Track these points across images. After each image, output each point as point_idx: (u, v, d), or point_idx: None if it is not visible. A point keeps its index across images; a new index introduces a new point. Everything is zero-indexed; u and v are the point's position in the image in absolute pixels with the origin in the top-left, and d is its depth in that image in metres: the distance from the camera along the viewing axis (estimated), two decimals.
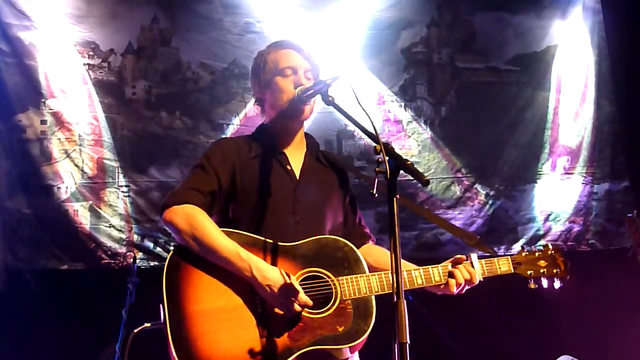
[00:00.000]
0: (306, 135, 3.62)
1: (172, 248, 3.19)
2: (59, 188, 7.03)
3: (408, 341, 2.40)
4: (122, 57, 7.40)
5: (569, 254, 7.17)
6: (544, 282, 3.51)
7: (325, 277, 3.17)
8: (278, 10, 7.51)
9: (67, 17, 7.26)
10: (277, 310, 3.06)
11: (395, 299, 2.44)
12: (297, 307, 3.03)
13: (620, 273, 5.76)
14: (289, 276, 3.06)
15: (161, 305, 3.03)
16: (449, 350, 6.39)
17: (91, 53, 7.31)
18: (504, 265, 3.51)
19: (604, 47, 7.85)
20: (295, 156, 3.50)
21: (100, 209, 7.05)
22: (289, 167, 3.43)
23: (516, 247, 7.41)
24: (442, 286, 3.35)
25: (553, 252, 3.59)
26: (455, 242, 7.42)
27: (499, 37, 7.95)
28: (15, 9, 7.11)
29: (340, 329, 3.10)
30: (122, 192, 7.13)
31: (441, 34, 7.91)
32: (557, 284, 3.54)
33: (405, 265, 3.34)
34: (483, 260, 3.43)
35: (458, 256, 3.41)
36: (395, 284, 2.45)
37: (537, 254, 3.56)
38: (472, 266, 3.40)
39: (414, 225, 7.37)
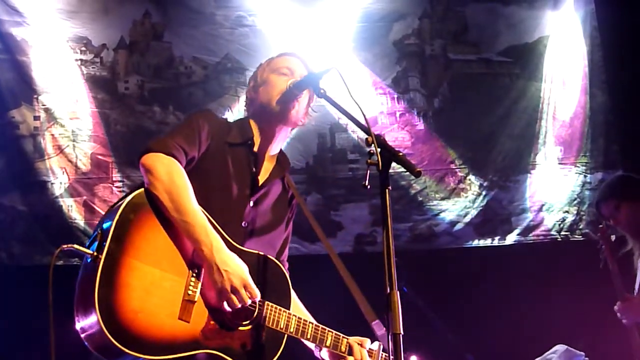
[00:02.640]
0: (281, 152, 3.62)
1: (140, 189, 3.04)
2: (52, 184, 7.03)
3: (402, 332, 2.41)
4: (114, 52, 7.40)
5: (563, 244, 7.22)
6: None
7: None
8: (270, 3, 7.51)
9: (59, 13, 7.26)
10: (212, 299, 3.03)
11: (388, 290, 2.45)
12: (245, 298, 3.01)
13: (620, 260, 5.77)
14: (246, 269, 3.07)
15: (100, 235, 2.94)
16: (442, 341, 6.41)
17: (83, 48, 7.31)
18: None
19: (596, 37, 7.85)
20: (264, 164, 3.49)
21: (94, 204, 7.06)
22: (254, 169, 3.41)
23: (510, 238, 7.45)
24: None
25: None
26: (448, 233, 7.45)
27: (491, 29, 7.95)
28: (7, 5, 7.11)
29: (247, 349, 3.11)
30: (116, 187, 7.13)
31: (433, 26, 7.91)
32: None
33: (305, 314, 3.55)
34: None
35: (366, 342, 3.51)
36: (387, 275, 2.46)
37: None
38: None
39: (408, 217, 7.38)
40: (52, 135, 7.12)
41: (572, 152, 7.72)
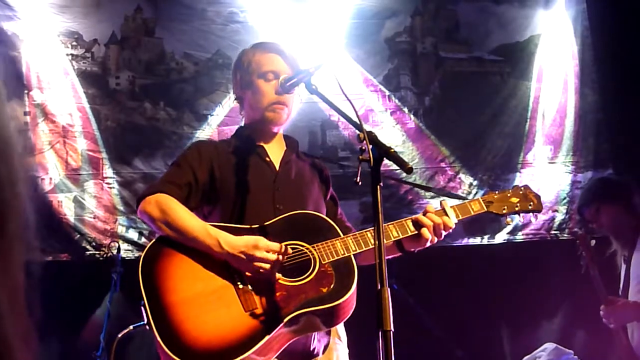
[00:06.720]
0: (285, 136, 3.71)
1: (141, 253, 3.20)
2: (42, 179, 7.00)
3: (392, 329, 2.40)
4: (105, 47, 7.36)
5: (553, 244, 7.21)
6: (519, 217, 3.64)
7: (300, 247, 3.20)
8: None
9: (51, 7, 7.21)
10: (253, 275, 3.09)
11: (379, 287, 2.44)
12: (275, 258, 3.05)
13: (604, 261, 5.79)
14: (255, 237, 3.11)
15: (142, 305, 3.03)
16: (433, 338, 6.42)
17: (74, 43, 7.27)
18: (475, 206, 3.60)
19: (587, 36, 7.86)
20: (274, 150, 3.57)
21: (84, 200, 7.04)
22: (267, 158, 3.50)
23: (499, 237, 7.46)
24: (419, 238, 3.39)
25: (523, 189, 3.68)
26: None
27: (482, 27, 7.95)
28: None
29: (325, 290, 3.11)
30: (107, 183, 7.11)
31: (425, 24, 7.91)
32: (533, 218, 3.68)
33: None
34: (455, 205, 3.53)
35: (428, 206, 3.47)
36: (378, 272, 2.46)
37: (508, 192, 3.67)
38: (446, 213, 3.44)
39: (398, 215, 7.29)
40: (43, 131, 7.08)
41: (562, 151, 7.72)
